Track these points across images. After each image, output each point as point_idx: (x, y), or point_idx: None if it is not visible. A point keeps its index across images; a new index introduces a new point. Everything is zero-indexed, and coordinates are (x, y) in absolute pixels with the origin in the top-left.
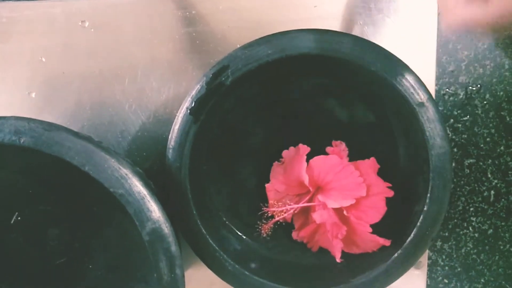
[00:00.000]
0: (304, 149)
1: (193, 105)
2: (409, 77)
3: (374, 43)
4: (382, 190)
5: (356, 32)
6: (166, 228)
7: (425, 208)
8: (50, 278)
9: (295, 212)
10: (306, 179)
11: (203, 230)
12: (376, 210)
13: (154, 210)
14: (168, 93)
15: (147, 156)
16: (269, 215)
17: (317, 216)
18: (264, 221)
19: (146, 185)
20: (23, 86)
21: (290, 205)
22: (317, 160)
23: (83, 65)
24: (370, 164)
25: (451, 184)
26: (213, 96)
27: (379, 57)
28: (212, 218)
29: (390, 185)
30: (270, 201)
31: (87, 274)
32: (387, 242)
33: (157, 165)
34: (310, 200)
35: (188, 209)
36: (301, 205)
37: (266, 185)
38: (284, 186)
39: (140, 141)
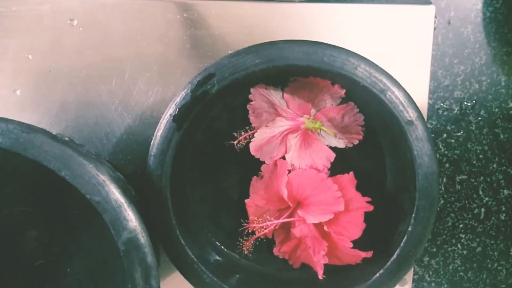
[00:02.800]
0: (283, 164)
1: (177, 112)
2: (399, 94)
3: (365, 58)
4: (361, 205)
5: (348, 45)
6: (142, 238)
7: (409, 229)
8: (27, 280)
9: (276, 227)
10: (285, 194)
11: (182, 241)
12: (356, 225)
13: (131, 219)
14: (156, 96)
15: (131, 159)
16: (250, 231)
17: (297, 231)
18: (245, 238)
19: (125, 192)
20: (8, 83)
21: (270, 220)
22: (296, 174)
23: (69, 64)
24: (348, 179)
25: (438, 205)
26: (198, 104)
27: (370, 72)
28: (193, 228)
29: (369, 199)
30: (251, 217)
31: (65, 278)
32: (368, 254)
33: (141, 169)
34: (290, 215)
35: (168, 219)
36: (281, 220)
37: (246, 200)
38: (264, 201)
39: (125, 144)
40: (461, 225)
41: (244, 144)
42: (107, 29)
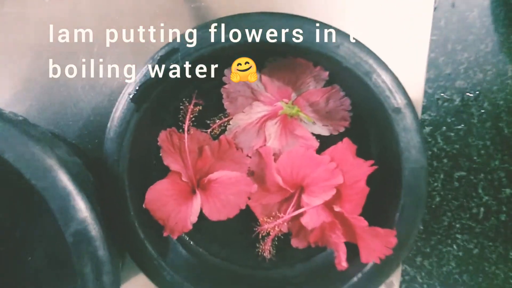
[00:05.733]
0: (266, 151)
1: (136, 91)
2: (386, 78)
3: (349, 35)
4: (364, 170)
5: (338, 23)
6: (93, 229)
7: (393, 229)
8: None
9: (289, 220)
10: (280, 180)
11: (141, 234)
12: (361, 195)
13: (81, 209)
14: (126, 76)
15: (98, 143)
16: (263, 234)
17: (307, 221)
18: (262, 242)
19: (78, 179)
20: None
21: (280, 216)
22: (284, 157)
23: (36, 38)
24: (344, 147)
25: (425, 205)
26: (160, 83)
27: (354, 51)
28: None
29: (373, 161)
30: (260, 219)
31: (26, 266)
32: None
33: None
34: (297, 201)
35: (125, 209)
36: (292, 214)
37: (249, 202)
38: (266, 197)
39: (92, 126)
40: (457, 225)
41: (218, 132)
42: (76, 2)
